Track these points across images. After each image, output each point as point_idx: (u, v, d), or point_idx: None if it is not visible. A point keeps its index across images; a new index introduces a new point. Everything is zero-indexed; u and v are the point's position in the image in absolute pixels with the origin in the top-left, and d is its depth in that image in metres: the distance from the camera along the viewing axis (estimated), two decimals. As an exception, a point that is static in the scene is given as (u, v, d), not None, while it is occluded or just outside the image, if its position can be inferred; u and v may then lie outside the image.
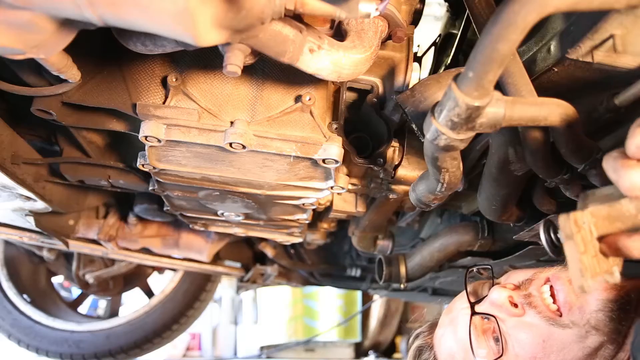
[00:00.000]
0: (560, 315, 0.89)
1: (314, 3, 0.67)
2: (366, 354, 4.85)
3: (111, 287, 2.71)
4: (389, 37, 0.94)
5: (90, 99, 1.01)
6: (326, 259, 2.43)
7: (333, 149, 1.00)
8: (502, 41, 0.53)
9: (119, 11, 0.56)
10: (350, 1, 0.66)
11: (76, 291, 3.47)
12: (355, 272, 2.40)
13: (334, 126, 1.07)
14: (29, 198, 1.35)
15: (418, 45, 1.45)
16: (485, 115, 0.62)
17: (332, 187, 1.18)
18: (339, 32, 0.85)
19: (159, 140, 0.98)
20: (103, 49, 1.00)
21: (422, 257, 1.57)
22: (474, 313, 0.98)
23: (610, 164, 0.56)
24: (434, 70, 1.44)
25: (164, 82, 1.00)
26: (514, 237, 1.20)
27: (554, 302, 0.91)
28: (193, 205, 1.44)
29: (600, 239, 0.58)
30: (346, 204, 1.43)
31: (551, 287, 0.93)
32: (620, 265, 0.60)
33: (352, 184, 1.33)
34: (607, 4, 0.54)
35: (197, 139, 0.98)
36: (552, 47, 0.77)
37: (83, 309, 3.13)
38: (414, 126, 0.91)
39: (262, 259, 2.49)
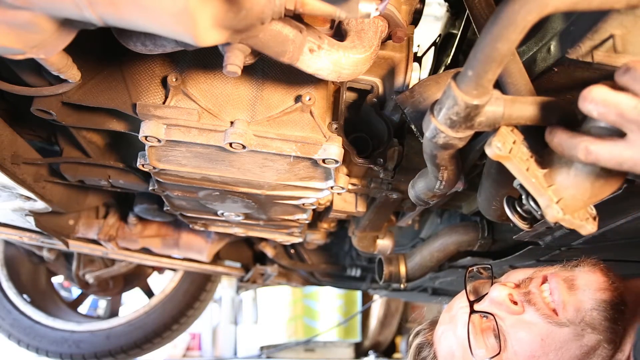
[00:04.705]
0: (557, 314, 0.90)
1: (314, 3, 0.67)
2: (366, 354, 4.84)
3: (111, 287, 2.71)
4: (389, 37, 0.94)
5: (90, 99, 1.01)
6: (326, 259, 2.43)
7: (333, 149, 1.00)
8: (501, 40, 0.53)
9: (119, 11, 0.56)
10: (350, 1, 0.66)
11: (76, 291, 3.47)
12: (355, 272, 2.40)
13: (334, 126, 1.07)
14: (29, 198, 1.35)
15: (418, 45, 1.45)
16: (484, 114, 0.62)
17: (332, 187, 1.18)
18: (339, 32, 0.85)
19: (159, 140, 0.98)
20: (103, 49, 1.00)
21: (422, 257, 1.57)
22: (472, 311, 0.98)
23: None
24: (434, 70, 1.44)
25: (164, 82, 1.00)
26: (514, 237, 1.20)
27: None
28: (193, 205, 1.44)
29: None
30: (346, 204, 1.43)
31: None
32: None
33: (352, 184, 1.33)
34: (607, 4, 0.54)
35: (197, 139, 0.98)
36: (552, 47, 0.77)
37: (83, 309, 3.13)
38: (413, 127, 0.91)
39: (262, 259, 2.49)
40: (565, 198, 0.65)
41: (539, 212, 0.69)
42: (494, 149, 0.63)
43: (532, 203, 0.70)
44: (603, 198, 0.67)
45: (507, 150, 0.64)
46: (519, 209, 0.77)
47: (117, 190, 1.50)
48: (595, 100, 0.57)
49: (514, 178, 0.75)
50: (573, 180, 0.65)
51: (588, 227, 0.66)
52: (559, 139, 0.63)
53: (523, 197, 0.72)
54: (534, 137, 0.69)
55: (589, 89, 0.58)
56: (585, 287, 0.90)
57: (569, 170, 0.65)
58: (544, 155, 0.68)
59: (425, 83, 0.88)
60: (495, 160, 0.80)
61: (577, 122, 0.67)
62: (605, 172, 0.63)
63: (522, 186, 0.69)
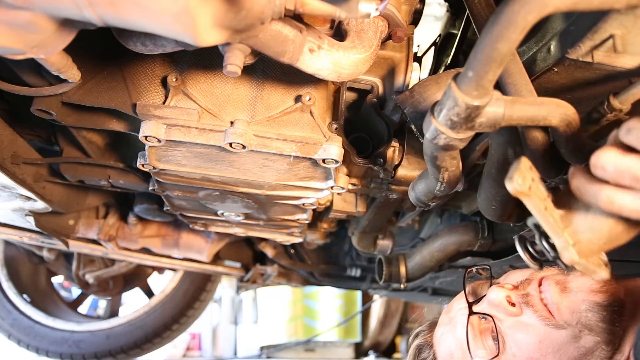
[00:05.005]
0: (554, 316, 0.90)
1: (314, 3, 0.67)
2: (366, 354, 4.85)
3: (111, 287, 2.71)
4: (389, 37, 0.94)
5: (90, 99, 1.01)
6: (326, 259, 2.43)
7: (333, 149, 1.00)
8: (502, 41, 0.53)
9: (118, 11, 0.56)
10: (350, 1, 0.66)
11: (76, 291, 3.47)
12: (355, 272, 2.40)
13: (334, 126, 1.07)
14: (29, 198, 1.35)
15: (418, 45, 1.45)
16: (485, 114, 0.62)
17: (332, 187, 1.18)
18: (339, 32, 0.85)
19: (159, 140, 0.98)
20: (103, 49, 1.00)
21: (422, 257, 1.57)
22: (471, 313, 0.98)
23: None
24: (434, 70, 1.44)
25: (164, 82, 1.00)
26: (514, 237, 1.20)
27: None
28: (193, 205, 1.44)
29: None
30: (346, 204, 1.43)
31: None
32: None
33: (352, 184, 1.33)
34: (607, 4, 0.54)
35: (197, 139, 0.98)
36: (552, 47, 0.77)
37: (83, 309, 3.13)
38: (413, 127, 0.91)
39: (262, 259, 2.49)
40: (581, 241, 0.63)
41: (552, 254, 0.67)
42: (515, 185, 0.61)
43: (545, 244, 0.68)
44: (620, 244, 0.65)
45: (527, 187, 0.62)
46: (530, 249, 0.75)
47: (117, 190, 1.50)
48: (606, 168, 0.56)
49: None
50: (590, 224, 0.62)
51: (601, 273, 0.64)
52: (578, 182, 0.60)
53: (536, 237, 0.70)
54: (549, 174, 0.67)
55: (597, 156, 0.56)
56: (578, 290, 0.90)
57: (586, 214, 0.63)
58: (561, 196, 0.66)
59: (425, 83, 0.88)
60: (496, 161, 0.80)
61: (578, 125, 0.67)
62: (624, 219, 0.61)
63: (536, 226, 0.68)
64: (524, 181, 0.61)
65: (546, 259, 0.71)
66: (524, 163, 0.63)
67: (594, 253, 0.64)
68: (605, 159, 0.56)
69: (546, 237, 0.67)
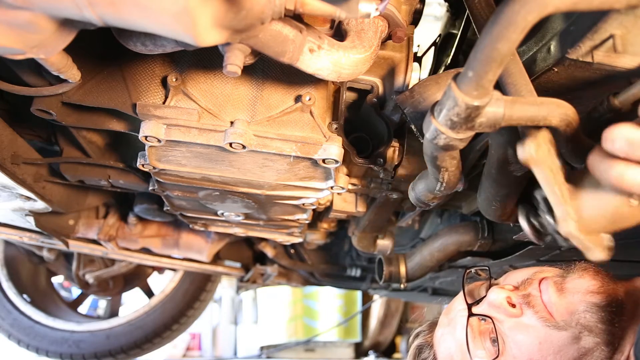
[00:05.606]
0: (553, 317, 0.90)
1: (314, 3, 0.67)
2: (366, 354, 4.85)
3: (111, 287, 2.71)
4: (389, 37, 0.94)
5: (90, 99, 1.01)
6: (326, 259, 2.43)
7: (333, 149, 1.00)
8: (502, 41, 0.53)
9: (118, 11, 0.56)
10: (350, 1, 0.66)
11: (76, 291, 3.47)
12: (355, 272, 2.40)
13: (334, 126, 1.07)
14: (29, 198, 1.35)
15: (418, 45, 1.45)
16: (485, 114, 0.62)
17: (332, 187, 1.18)
18: (339, 32, 0.85)
19: (159, 140, 0.98)
20: (103, 49, 1.00)
21: (422, 257, 1.57)
22: (471, 314, 0.98)
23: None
24: (434, 70, 1.44)
25: (164, 82, 1.00)
26: (514, 237, 1.20)
27: None
28: (193, 205, 1.44)
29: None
30: (346, 204, 1.43)
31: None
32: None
33: (352, 184, 1.33)
34: (607, 4, 0.54)
35: (197, 139, 0.98)
36: (552, 47, 0.77)
37: (83, 309, 3.13)
38: (413, 127, 0.91)
39: (262, 259, 2.49)
40: (584, 218, 0.62)
41: (552, 227, 0.66)
42: (528, 151, 0.60)
43: (547, 216, 0.67)
44: (624, 227, 0.63)
45: (539, 155, 0.61)
46: (533, 220, 0.73)
47: (117, 190, 1.50)
48: (616, 140, 0.54)
49: (513, 179, 0.74)
50: (597, 202, 0.61)
51: (597, 253, 0.62)
52: (593, 158, 0.59)
53: (540, 206, 0.69)
54: (575, 152, 0.67)
55: (609, 130, 0.55)
56: (575, 291, 0.90)
57: (595, 191, 0.61)
58: (576, 174, 0.65)
59: (425, 83, 0.88)
60: (496, 161, 0.79)
61: (578, 125, 0.66)
62: (632, 202, 0.59)
63: (543, 198, 0.66)
64: (537, 148, 0.60)
65: (547, 233, 0.69)
66: (544, 135, 0.62)
67: (595, 232, 0.63)
68: (617, 132, 0.54)
69: (550, 209, 0.65)
